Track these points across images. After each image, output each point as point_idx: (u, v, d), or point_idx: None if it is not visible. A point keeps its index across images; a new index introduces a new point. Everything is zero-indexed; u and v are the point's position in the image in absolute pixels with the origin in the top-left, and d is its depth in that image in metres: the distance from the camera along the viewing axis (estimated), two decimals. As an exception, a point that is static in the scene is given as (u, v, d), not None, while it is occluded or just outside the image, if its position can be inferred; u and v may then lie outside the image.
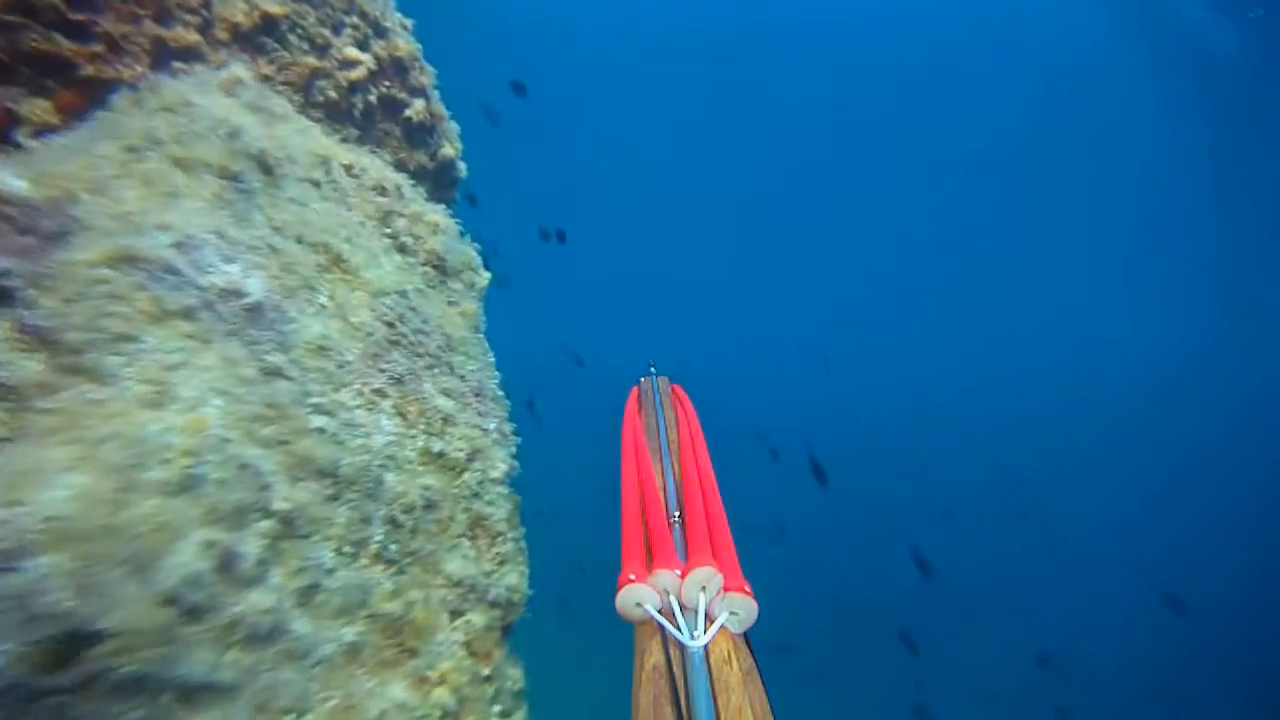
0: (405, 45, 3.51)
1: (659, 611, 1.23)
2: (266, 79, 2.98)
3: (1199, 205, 22.24)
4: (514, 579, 1.98)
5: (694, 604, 1.22)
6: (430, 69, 3.66)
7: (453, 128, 3.75)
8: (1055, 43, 20.52)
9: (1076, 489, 23.37)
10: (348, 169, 2.66)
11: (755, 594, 1.27)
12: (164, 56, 2.53)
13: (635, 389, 2.30)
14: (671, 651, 1.14)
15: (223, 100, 2.14)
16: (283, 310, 1.86)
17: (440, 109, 3.67)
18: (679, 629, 1.16)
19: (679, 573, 1.28)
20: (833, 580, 19.27)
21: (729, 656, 1.13)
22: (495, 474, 2.19)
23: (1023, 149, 24.96)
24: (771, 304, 30.82)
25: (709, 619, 1.21)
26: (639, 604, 1.25)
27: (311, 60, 3.09)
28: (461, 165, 3.80)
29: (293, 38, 3.03)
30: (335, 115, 3.24)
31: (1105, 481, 23.93)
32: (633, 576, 1.28)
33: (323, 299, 2.08)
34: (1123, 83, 20.48)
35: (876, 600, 18.45)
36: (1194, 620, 17.57)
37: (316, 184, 2.41)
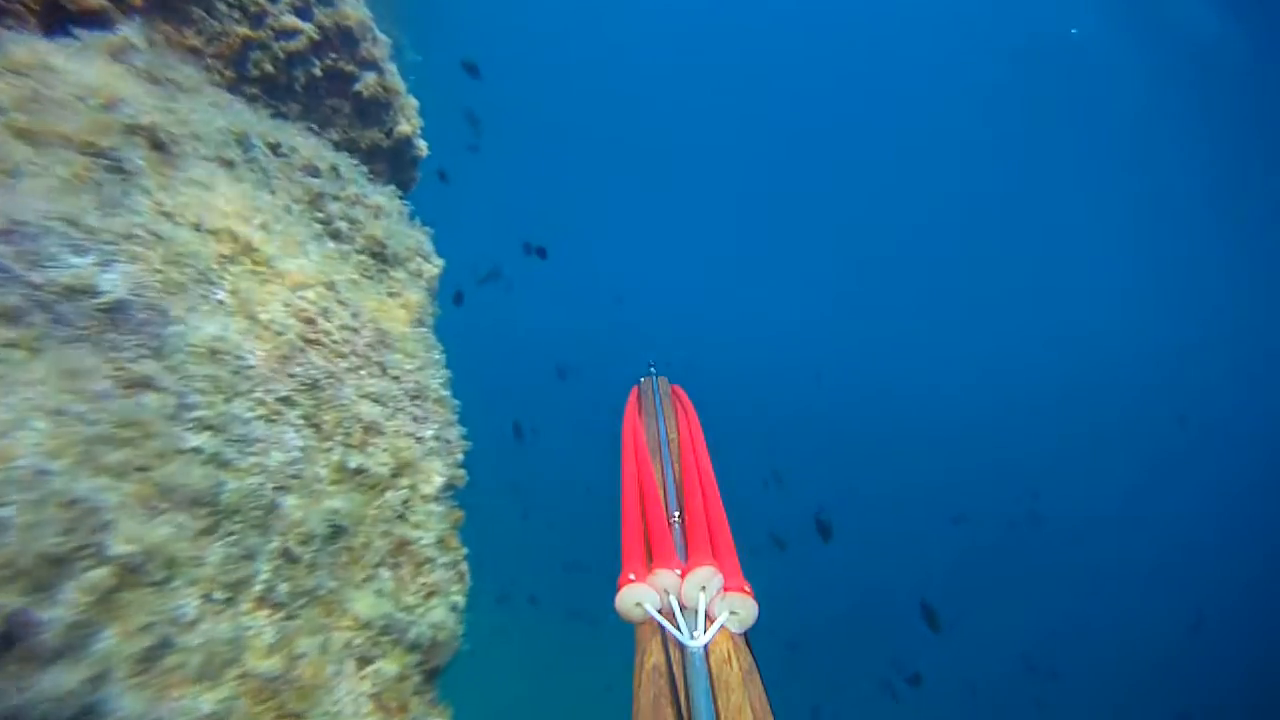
0: (354, 13, 3.20)
1: (659, 611, 1.22)
2: (193, 51, 2.69)
3: (1198, 193, 21.41)
4: (441, 614, 1.72)
5: (694, 604, 1.21)
6: (384, 39, 3.36)
7: (410, 103, 3.46)
8: (1049, 31, 19.74)
9: (1083, 490, 22.45)
10: (273, 147, 2.37)
11: (755, 594, 1.24)
12: (59, 22, 2.24)
13: (635, 389, 2.25)
14: (671, 651, 1.13)
15: (104, 67, 1.85)
16: (161, 309, 1.59)
17: (395, 83, 3.37)
18: (679, 629, 1.14)
19: (679, 572, 1.27)
20: (830, 590, 18.57)
21: (729, 656, 1.12)
22: (428, 489, 1.93)
23: (1017, 142, 24.08)
24: (764, 306, 29.71)
25: (709, 619, 1.20)
26: (639, 604, 1.24)
27: (244, 29, 2.80)
28: (421, 143, 3.51)
29: (222, 5, 2.74)
30: (274, 90, 2.95)
31: (1111, 481, 23.05)
32: (632, 576, 1.27)
33: (222, 294, 1.81)
34: (1117, 73, 19.73)
35: (872, 607, 17.87)
36: (1205, 632, 16.78)
37: (230, 164, 2.13)
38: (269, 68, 2.89)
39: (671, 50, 23.75)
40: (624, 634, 1.30)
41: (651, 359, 2.55)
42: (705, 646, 1.10)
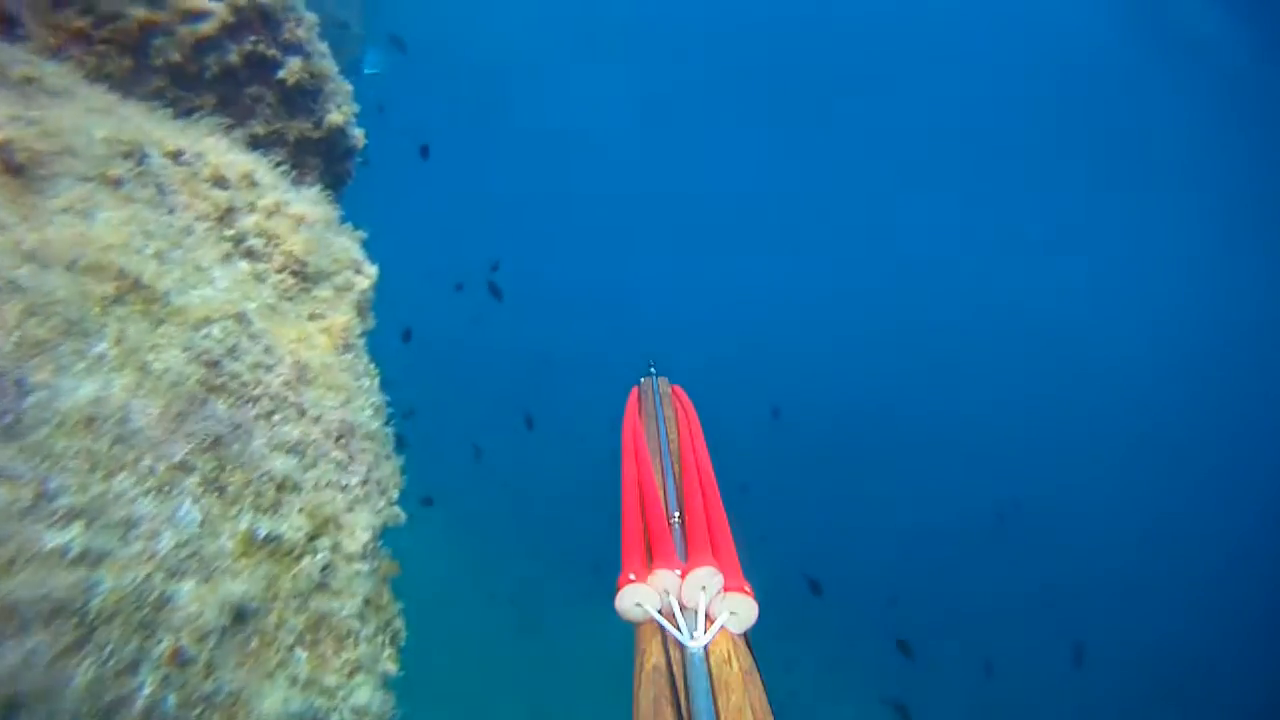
0: (273, -10, 2.79)
1: (659, 612, 1.19)
2: (78, 35, 2.29)
3: (1214, 200, 20.34)
4: (365, 695, 1.52)
5: (694, 604, 1.18)
6: (310, 18, 2.95)
7: (342, 88, 3.07)
8: (1061, 38, 18.55)
9: (1067, 514, 20.22)
10: (174, 156, 2.03)
11: (756, 594, 1.21)
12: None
13: (635, 389, 2.21)
14: (671, 652, 1.10)
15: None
16: (15, 379, 1.30)
17: (324, 67, 2.97)
18: (679, 629, 1.12)
19: (679, 573, 1.23)
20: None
21: (729, 656, 1.09)
22: (352, 547, 1.70)
23: (1019, 143, 22.77)
24: (744, 308, 27.72)
25: (709, 619, 1.17)
26: (639, 604, 1.20)
27: (141, 11, 2.39)
28: (356, 132, 3.14)
29: (111, -18, 2.32)
30: (183, 81, 2.56)
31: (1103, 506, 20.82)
32: (633, 576, 1.23)
33: (103, 346, 1.52)
34: (1133, 82, 18.61)
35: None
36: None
37: (116, 182, 1.80)
38: (175, 56, 2.49)
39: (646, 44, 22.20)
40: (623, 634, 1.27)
41: (651, 361, 2.44)
42: (705, 647, 1.08)
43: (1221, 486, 21.61)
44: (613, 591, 1.22)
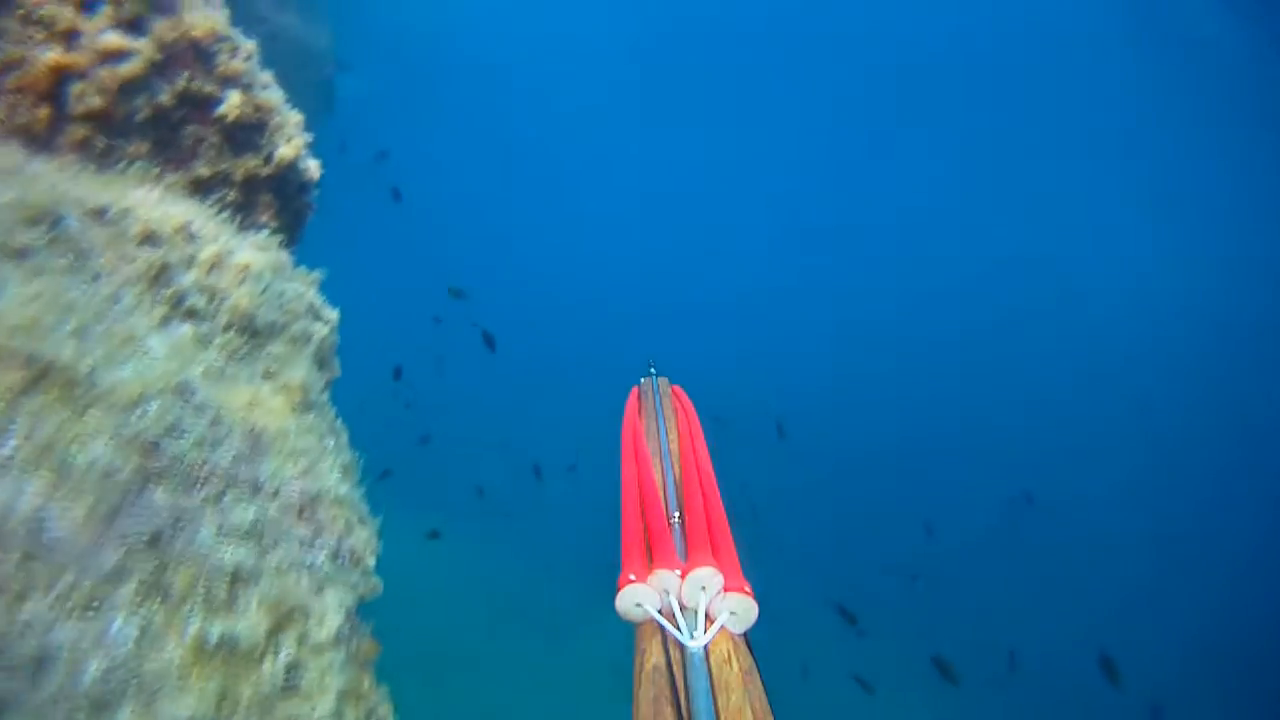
0: (203, 20, 2.55)
1: (659, 612, 1.17)
2: (-15, 91, 2.05)
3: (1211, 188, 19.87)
4: (342, 811, 1.32)
5: (694, 604, 1.16)
6: (248, 46, 2.71)
7: (291, 119, 2.83)
8: (1061, 38, 17.92)
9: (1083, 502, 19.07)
10: (97, 215, 1.80)
11: (756, 594, 1.18)
12: None
13: (635, 389, 2.17)
14: (671, 652, 1.10)
15: None
16: (-107, 507, 1.10)
17: (269, 99, 2.74)
18: (679, 629, 1.09)
19: (679, 573, 1.21)
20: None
21: (729, 656, 1.08)
22: (322, 635, 1.50)
23: (1022, 144, 21.98)
24: (742, 300, 26.88)
25: (709, 619, 1.15)
26: (639, 604, 1.18)
27: (53, 54, 2.16)
28: (311, 164, 2.90)
29: (11, 21, 2.09)
30: (111, 128, 2.33)
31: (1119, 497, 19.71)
32: (632, 577, 1.21)
33: (10, 445, 1.31)
34: (1133, 82, 18.04)
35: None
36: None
37: (22, 253, 1.58)
38: (97, 101, 2.26)
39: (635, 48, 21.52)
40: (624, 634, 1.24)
41: (651, 361, 2.37)
42: (705, 647, 1.05)
43: (1236, 487, 21.05)
44: (613, 591, 1.20)
